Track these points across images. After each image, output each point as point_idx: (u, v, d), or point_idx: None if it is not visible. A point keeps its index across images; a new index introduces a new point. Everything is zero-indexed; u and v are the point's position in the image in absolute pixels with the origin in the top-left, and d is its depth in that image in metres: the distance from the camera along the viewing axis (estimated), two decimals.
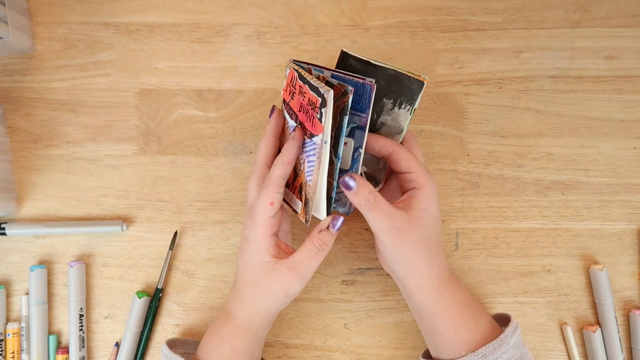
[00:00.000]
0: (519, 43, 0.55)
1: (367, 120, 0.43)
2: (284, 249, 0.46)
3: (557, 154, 0.55)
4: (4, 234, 0.54)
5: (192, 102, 0.56)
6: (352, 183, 0.43)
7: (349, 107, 0.41)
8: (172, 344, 0.49)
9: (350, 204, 0.46)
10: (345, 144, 0.44)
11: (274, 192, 0.44)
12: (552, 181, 0.55)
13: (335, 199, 0.46)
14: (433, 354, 0.48)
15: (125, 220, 0.55)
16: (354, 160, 0.45)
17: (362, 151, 0.44)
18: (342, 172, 0.45)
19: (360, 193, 0.43)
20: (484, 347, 0.44)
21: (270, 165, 0.46)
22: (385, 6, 0.56)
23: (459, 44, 0.56)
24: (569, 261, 0.54)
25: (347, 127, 0.42)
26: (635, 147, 0.55)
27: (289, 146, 0.44)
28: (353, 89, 0.40)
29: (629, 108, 0.55)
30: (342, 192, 0.45)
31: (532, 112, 0.55)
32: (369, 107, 0.43)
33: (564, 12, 0.56)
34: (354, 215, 0.55)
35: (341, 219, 0.44)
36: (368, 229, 0.55)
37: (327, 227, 0.44)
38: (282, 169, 0.44)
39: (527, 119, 0.55)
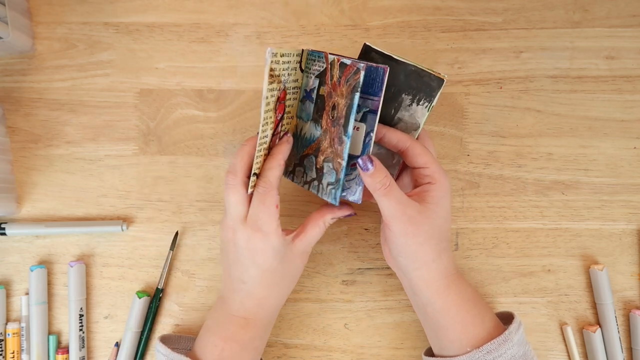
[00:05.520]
0: (519, 43, 0.55)
1: (379, 104, 0.43)
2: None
3: (557, 154, 0.55)
4: (4, 234, 0.54)
5: (192, 102, 0.56)
6: (369, 165, 0.43)
7: (360, 84, 0.41)
8: (166, 341, 0.49)
9: (360, 192, 0.46)
10: (357, 129, 0.45)
11: (276, 195, 0.45)
12: (552, 181, 0.55)
13: (345, 187, 0.46)
14: (436, 351, 0.48)
15: (125, 220, 0.55)
16: (365, 145, 0.45)
17: (374, 135, 0.44)
18: (352, 157, 0.45)
19: (377, 175, 0.43)
20: (488, 344, 0.44)
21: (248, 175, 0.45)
22: (385, 6, 0.56)
23: (459, 44, 0.56)
24: (569, 261, 0.54)
25: (360, 111, 0.44)
26: (635, 147, 0.55)
27: (284, 148, 0.45)
28: (365, 65, 0.41)
29: (629, 108, 0.55)
30: (352, 180, 0.45)
31: (532, 112, 0.55)
32: (382, 91, 0.43)
33: (564, 12, 0.56)
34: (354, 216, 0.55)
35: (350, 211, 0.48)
36: (368, 229, 0.55)
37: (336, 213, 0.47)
38: (279, 170, 0.45)
39: (527, 119, 0.55)
